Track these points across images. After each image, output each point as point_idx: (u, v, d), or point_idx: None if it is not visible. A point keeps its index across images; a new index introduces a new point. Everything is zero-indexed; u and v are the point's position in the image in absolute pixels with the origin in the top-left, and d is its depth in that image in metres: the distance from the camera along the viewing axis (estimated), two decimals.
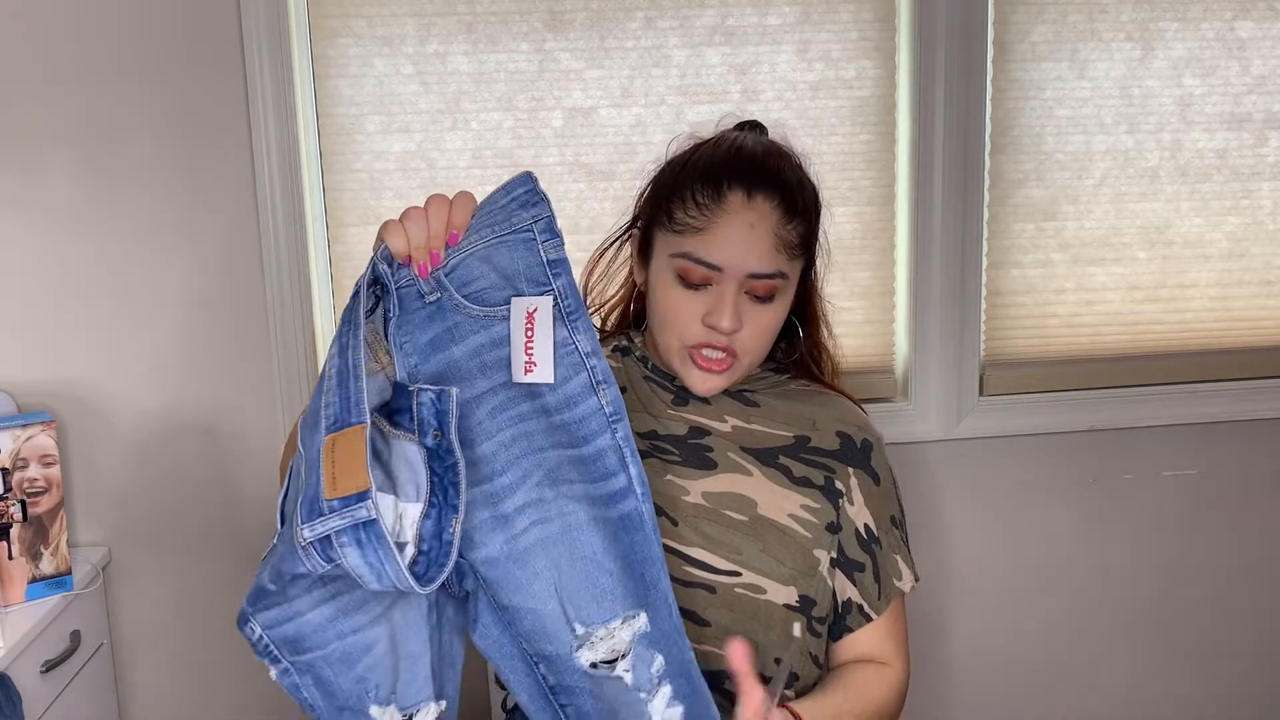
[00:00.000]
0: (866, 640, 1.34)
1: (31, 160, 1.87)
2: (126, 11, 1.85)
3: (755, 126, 1.36)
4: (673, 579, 1.22)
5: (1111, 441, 2.21)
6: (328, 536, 0.92)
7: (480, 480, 1.07)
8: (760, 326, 1.26)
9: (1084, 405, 2.19)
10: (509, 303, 1.08)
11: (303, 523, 0.93)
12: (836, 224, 2.09)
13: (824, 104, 2.05)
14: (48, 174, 1.88)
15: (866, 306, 2.13)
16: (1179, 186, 2.17)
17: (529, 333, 1.07)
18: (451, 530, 1.00)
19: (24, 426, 1.77)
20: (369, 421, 0.96)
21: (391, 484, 1.01)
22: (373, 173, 1.97)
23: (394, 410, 1.07)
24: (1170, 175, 2.17)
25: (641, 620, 1.07)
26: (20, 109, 1.86)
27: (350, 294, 1.06)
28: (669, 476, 1.29)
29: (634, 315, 1.43)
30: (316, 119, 1.95)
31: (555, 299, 1.08)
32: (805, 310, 1.37)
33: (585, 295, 1.42)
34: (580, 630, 1.07)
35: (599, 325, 1.45)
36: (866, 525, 1.34)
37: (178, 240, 1.92)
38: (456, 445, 1.04)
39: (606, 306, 1.44)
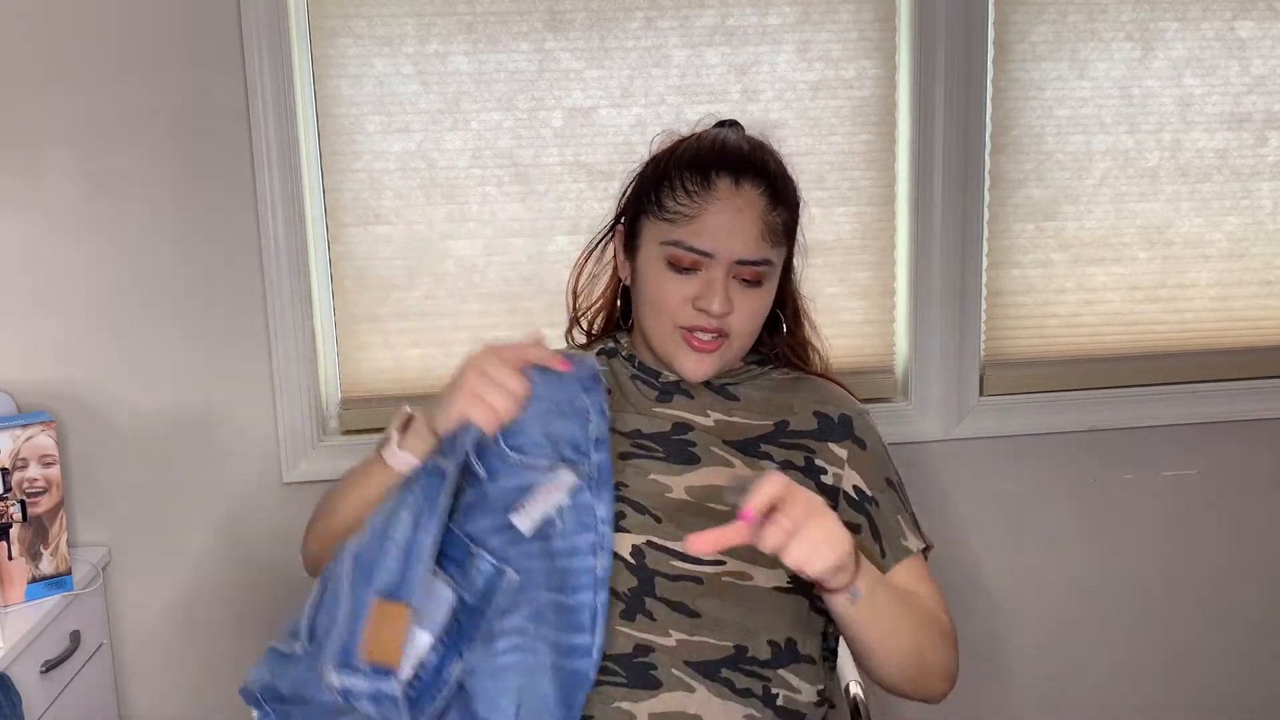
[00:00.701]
0: (898, 580, 1.33)
1: (31, 160, 1.87)
2: (126, 11, 1.85)
3: (734, 125, 1.41)
4: (660, 574, 1.26)
5: (1111, 441, 2.21)
6: (351, 690, 1.06)
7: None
8: (749, 310, 1.31)
9: (1084, 405, 2.19)
10: (547, 459, 1.17)
11: (335, 667, 1.07)
12: (836, 224, 2.09)
13: (824, 104, 2.05)
14: (48, 174, 1.88)
15: (866, 306, 2.12)
16: (1179, 186, 2.17)
17: (544, 493, 1.16)
18: (451, 671, 1.11)
19: (24, 426, 1.77)
20: (415, 608, 1.06)
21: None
22: (373, 173, 1.97)
23: (443, 553, 1.14)
24: (1170, 175, 2.17)
25: None
26: (20, 109, 1.86)
27: (427, 470, 1.14)
28: (652, 475, 1.31)
29: (619, 317, 1.47)
30: (316, 119, 1.95)
31: (587, 476, 1.17)
32: (786, 304, 1.43)
33: (574, 298, 1.47)
34: None
35: (586, 328, 1.50)
36: (856, 487, 1.35)
37: (178, 240, 1.92)
38: (493, 617, 1.14)
39: (593, 310, 1.48)
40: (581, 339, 1.50)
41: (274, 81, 1.89)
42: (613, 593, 1.24)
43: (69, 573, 1.81)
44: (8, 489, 1.75)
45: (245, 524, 2.01)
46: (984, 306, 2.15)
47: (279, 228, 1.93)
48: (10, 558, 1.75)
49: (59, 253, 1.90)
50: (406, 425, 1.24)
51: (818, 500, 1.11)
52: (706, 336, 1.31)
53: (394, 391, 2.02)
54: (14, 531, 1.75)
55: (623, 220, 1.40)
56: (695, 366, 1.32)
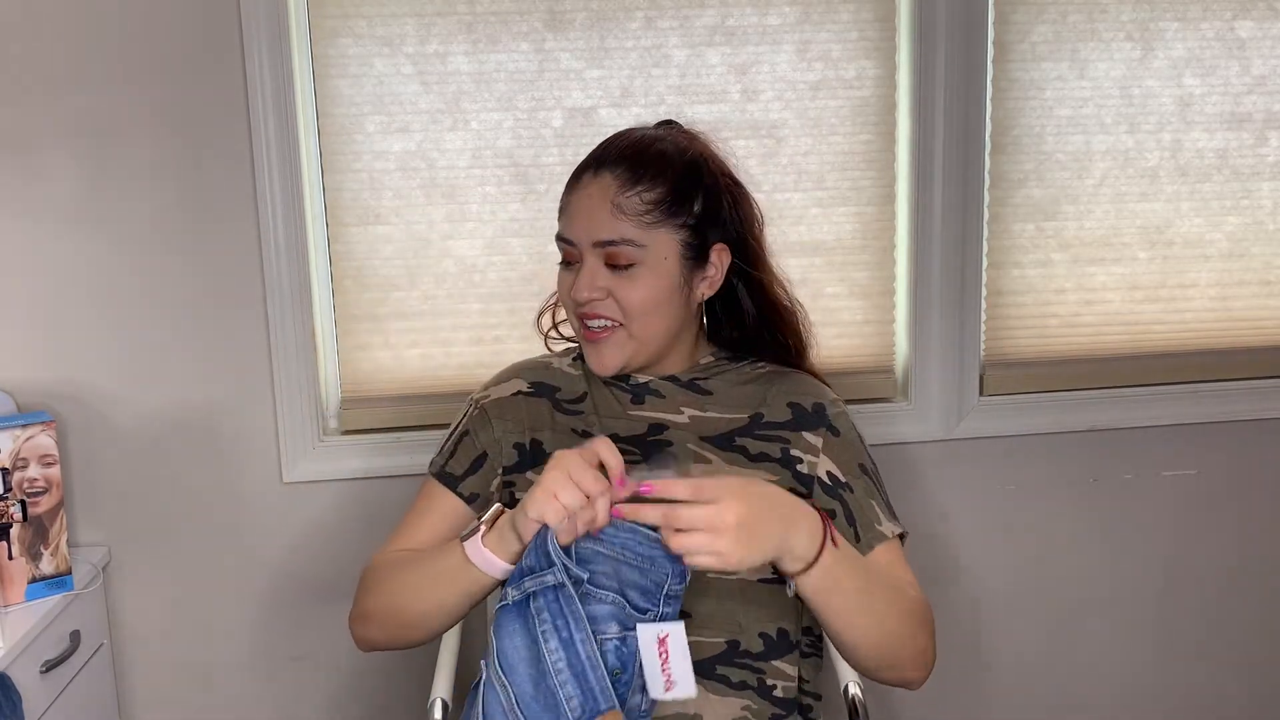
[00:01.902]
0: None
1: (32, 160, 1.87)
2: (126, 12, 1.85)
3: (668, 124, 1.44)
4: None
5: (1111, 441, 2.21)
6: None
7: None
8: (631, 294, 1.32)
9: (1084, 405, 2.19)
10: (611, 595, 1.17)
11: None
12: (836, 224, 2.09)
13: (824, 104, 2.05)
14: (48, 174, 1.88)
15: (866, 306, 2.12)
16: (1179, 186, 2.17)
17: (663, 655, 1.14)
18: None
19: (24, 426, 1.77)
20: (618, 706, 1.11)
21: None
22: (373, 173, 1.97)
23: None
24: (1170, 175, 2.17)
25: None
26: (20, 109, 1.86)
27: (541, 588, 1.15)
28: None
29: None
30: (316, 119, 1.95)
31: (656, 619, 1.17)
32: (757, 296, 1.43)
33: (549, 314, 1.54)
34: None
35: (562, 337, 1.54)
36: (830, 473, 1.37)
37: (178, 240, 1.92)
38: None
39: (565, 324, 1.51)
40: (557, 346, 1.55)
41: (274, 81, 1.89)
42: None
43: (69, 573, 1.81)
44: (8, 489, 1.75)
45: (245, 524, 2.01)
46: (984, 306, 2.15)
47: (279, 228, 1.93)
48: (10, 558, 1.75)
49: (59, 253, 1.90)
50: (494, 522, 1.24)
51: (729, 515, 1.10)
52: (595, 324, 1.34)
53: (394, 391, 2.02)
54: (14, 531, 1.75)
55: None
56: (595, 358, 1.36)
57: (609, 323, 1.34)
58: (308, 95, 1.94)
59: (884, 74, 2.06)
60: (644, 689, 1.15)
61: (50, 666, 1.72)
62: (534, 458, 1.40)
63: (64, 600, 1.79)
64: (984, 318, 2.16)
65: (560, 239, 1.36)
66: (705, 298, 1.40)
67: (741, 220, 1.41)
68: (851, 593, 1.20)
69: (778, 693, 1.30)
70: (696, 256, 1.37)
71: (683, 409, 1.39)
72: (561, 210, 1.37)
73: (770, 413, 1.39)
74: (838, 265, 2.10)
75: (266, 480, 2.01)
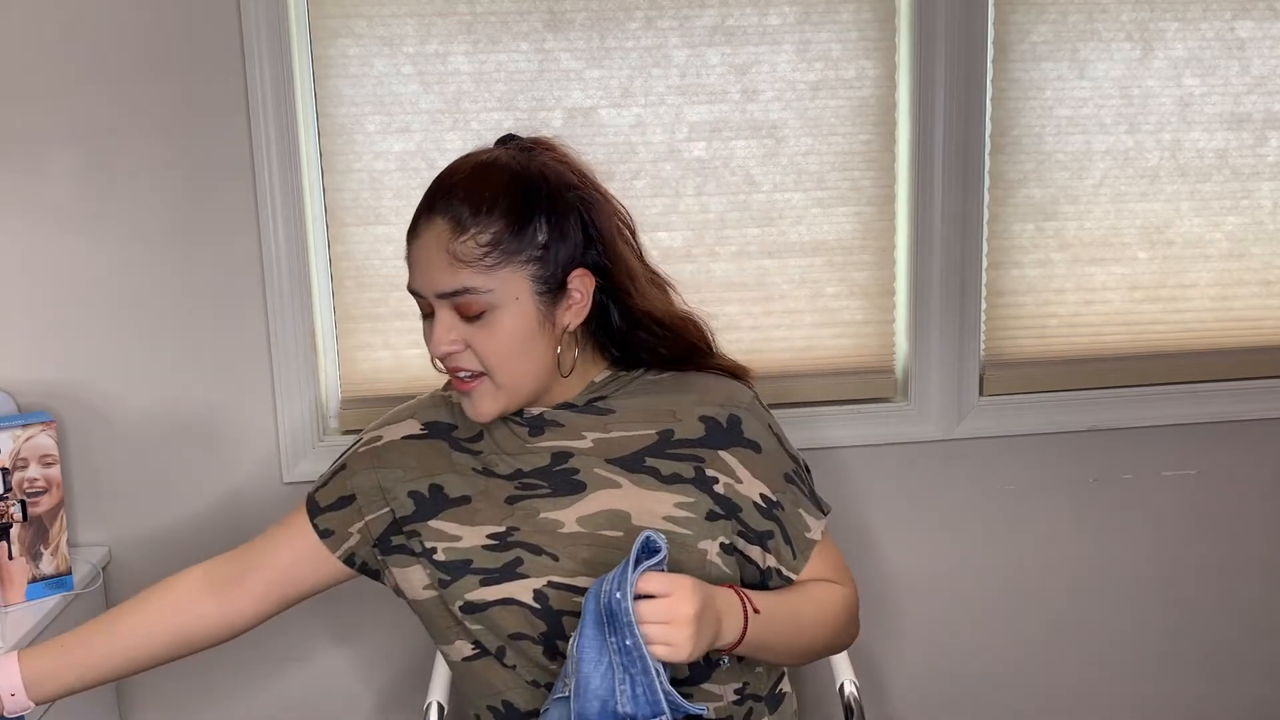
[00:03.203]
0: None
1: (31, 160, 1.87)
2: (126, 12, 1.85)
3: (505, 141, 1.33)
4: (566, 613, 1.26)
5: (1111, 441, 2.21)
6: None
7: None
8: (490, 342, 1.23)
9: (1084, 405, 2.19)
10: None
11: None
12: (836, 224, 2.09)
13: (824, 104, 2.05)
14: (48, 174, 1.88)
15: (866, 306, 2.13)
16: (1179, 186, 2.17)
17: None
18: None
19: (24, 426, 1.77)
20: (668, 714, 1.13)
21: None
22: (373, 173, 1.97)
23: None
24: (1170, 175, 2.17)
25: None
26: (20, 109, 1.86)
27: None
28: (542, 514, 1.29)
29: None
30: (316, 119, 1.95)
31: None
32: (631, 313, 1.31)
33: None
34: None
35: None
36: (763, 494, 1.31)
37: (178, 240, 1.92)
38: None
39: None
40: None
41: (274, 81, 1.89)
42: (528, 639, 1.28)
43: (69, 573, 1.82)
44: (8, 489, 1.75)
45: (245, 524, 2.01)
46: (984, 306, 2.15)
47: (279, 228, 1.93)
48: (10, 558, 1.75)
49: (59, 253, 1.90)
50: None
51: (688, 607, 1.12)
52: (462, 375, 1.26)
53: (394, 391, 2.02)
54: (14, 531, 1.76)
55: None
56: (470, 408, 1.28)
57: (472, 373, 1.25)
58: (308, 95, 1.94)
59: (884, 74, 2.06)
60: None
61: None
62: (435, 503, 1.32)
63: (64, 600, 1.79)
64: (984, 318, 2.16)
65: (411, 290, 1.27)
66: (573, 327, 1.28)
67: (601, 234, 1.27)
68: (782, 639, 1.26)
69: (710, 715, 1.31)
70: (553, 288, 1.25)
71: (584, 434, 1.31)
72: (407, 260, 1.27)
73: (681, 428, 1.30)
74: (838, 265, 2.10)
75: (266, 480, 2.01)
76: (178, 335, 1.95)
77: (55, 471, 1.80)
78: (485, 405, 1.27)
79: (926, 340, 2.13)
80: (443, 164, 1.96)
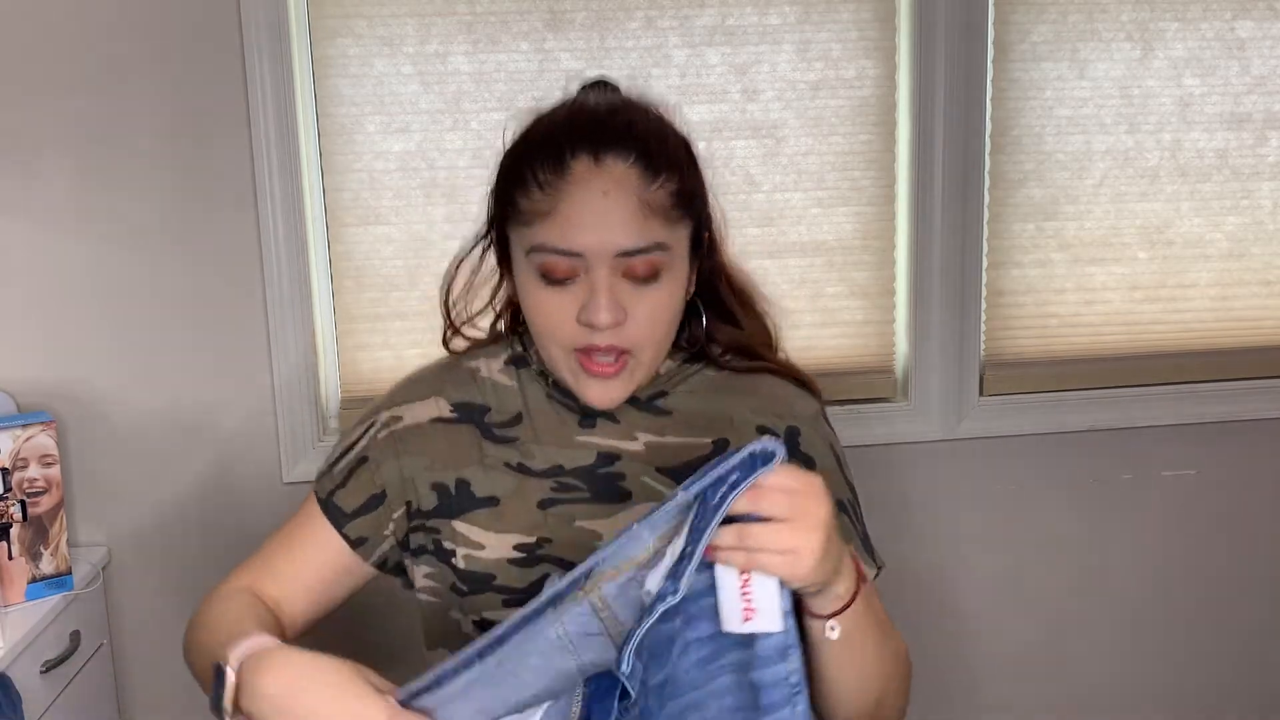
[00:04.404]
0: None
1: (32, 160, 1.87)
2: (126, 12, 1.85)
3: (602, 85, 1.17)
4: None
5: (1111, 441, 2.21)
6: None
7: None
8: (651, 313, 1.06)
9: (1084, 405, 2.19)
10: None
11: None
12: (836, 224, 2.09)
13: (824, 104, 2.05)
14: (48, 174, 1.88)
15: (866, 306, 2.12)
16: (1179, 186, 2.17)
17: (745, 579, 0.90)
18: None
19: (24, 426, 1.77)
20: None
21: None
22: (373, 173, 1.97)
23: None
24: (1170, 175, 2.17)
25: None
26: (20, 110, 1.85)
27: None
28: (579, 522, 1.12)
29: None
30: (316, 119, 1.95)
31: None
32: (709, 289, 1.17)
33: (448, 310, 1.21)
34: None
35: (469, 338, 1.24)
36: None
37: (178, 240, 1.92)
38: None
39: (480, 315, 1.22)
40: (462, 343, 1.22)
41: (274, 81, 1.89)
42: None
43: (69, 573, 1.82)
44: (8, 489, 1.75)
45: (245, 524, 2.01)
46: (984, 306, 2.15)
47: (279, 228, 1.93)
48: (10, 558, 1.75)
49: (59, 253, 1.90)
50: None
51: (823, 507, 0.90)
52: (606, 359, 1.06)
53: None
54: (14, 531, 1.75)
55: (492, 230, 1.15)
56: (601, 393, 1.09)
57: (616, 352, 1.07)
58: (308, 95, 1.94)
59: (884, 74, 2.06)
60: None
61: (50, 666, 1.72)
62: (461, 502, 1.14)
63: (64, 600, 1.79)
64: (984, 318, 2.16)
65: (551, 250, 1.04)
66: (691, 295, 1.14)
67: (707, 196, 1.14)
68: (871, 640, 1.00)
69: None
70: (695, 251, 1.12)
71: (637, 434, 1.14)
72: (543, 213, 1.05)
73: (737, 438, 1.14)
74: (838, 265, 2.10)
75: (266, 480, 2.01)
76: (178, 335, 1.95)
77: (55, 471, 1.80)
78: (621, 390, 1.09)
79: (926, 340, 2.13)
80: (443, 164, 1.98)
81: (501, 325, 1.22)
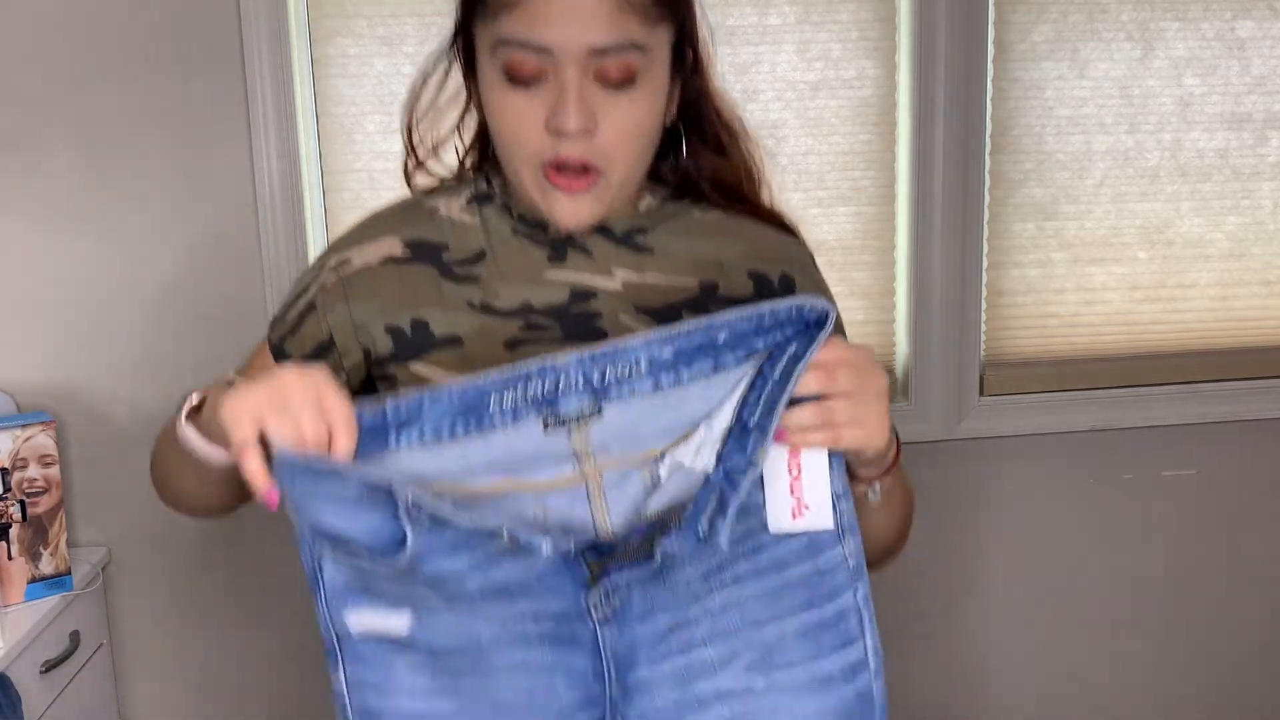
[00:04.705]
0: None
1: (32, 160, 1.87)
2: (126, 11, 1.85)
3: None
4: None
5: (1111, 441, 2.21)
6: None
7: (676, 651, 0.90)
8: (624, 124, 0.98)
9: (1084, 405, 2.19)
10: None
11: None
12: (836, 224, 2.09)
13: (824, 104, 2.05)
14: (48, 174, 1.88)
15: (866, 306, 2.12)
16: (1179, 186, 2.17)
17: (794, 469, 0.87)
18: None
19: (23, 426, 1.77)
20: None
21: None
22: (373, 173, 1.97)
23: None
24: (1170, 175, 2.17)
25: None
26: (21, 109, 1.85)
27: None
28: None
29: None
30: (316, 119, 1.95)
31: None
32: (693, 116, 1.09)
33: (410, 135, 1.12)
34: None
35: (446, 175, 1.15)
36: None
37: (178, 240, 1.92)
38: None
39: (440, 156, 1.14)
40: (428, 181, 1.14)
41: (274, 81, 1.89)
42: None
43: (69, 573, 1.81)
44: (7, 489, 1.75)
45: (245, 524, 2.01)
46: (984, 306, 2.15)
47: (279, 228, 1.93)
48: (10, 558, 1.75)
49: (59, 253, 1.90)
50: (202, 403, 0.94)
51: (879, 374, 0.88)
52: (570, 167, 0.98)
53: None
54: (14, 531, 1.75)
55: (459, 38, 1.06)
56: (571, 212, 1.01)
57: (584, 166, 0.99)
58: (308, 95, 1.94)
59: (884, 74, 2.06)
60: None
61: (50, 667, 1.72)
62: (418, 343, 1.05)
63: (64, 600, 1.79)
64: (984, 318, 2.16)
65: (517, 43, 0.95)
66: (672, 122, 1.06)
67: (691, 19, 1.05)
68: (902, 490, 1.01)
69: None
70: (678, 64, 1.03)
71: (615, 270, 1.06)
72: (510, 4, 0.95)
73: (727, 283, 1.08)
74: (838, 265, 2.10)
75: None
76: (177, 335, 1.94)
77: (55, 471, 1.80)
78: (590, 209, 1.01)
79: (926, 340, 2.12)
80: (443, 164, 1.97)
81: (470, 162, 1.14)
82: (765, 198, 1.15)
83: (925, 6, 2.02)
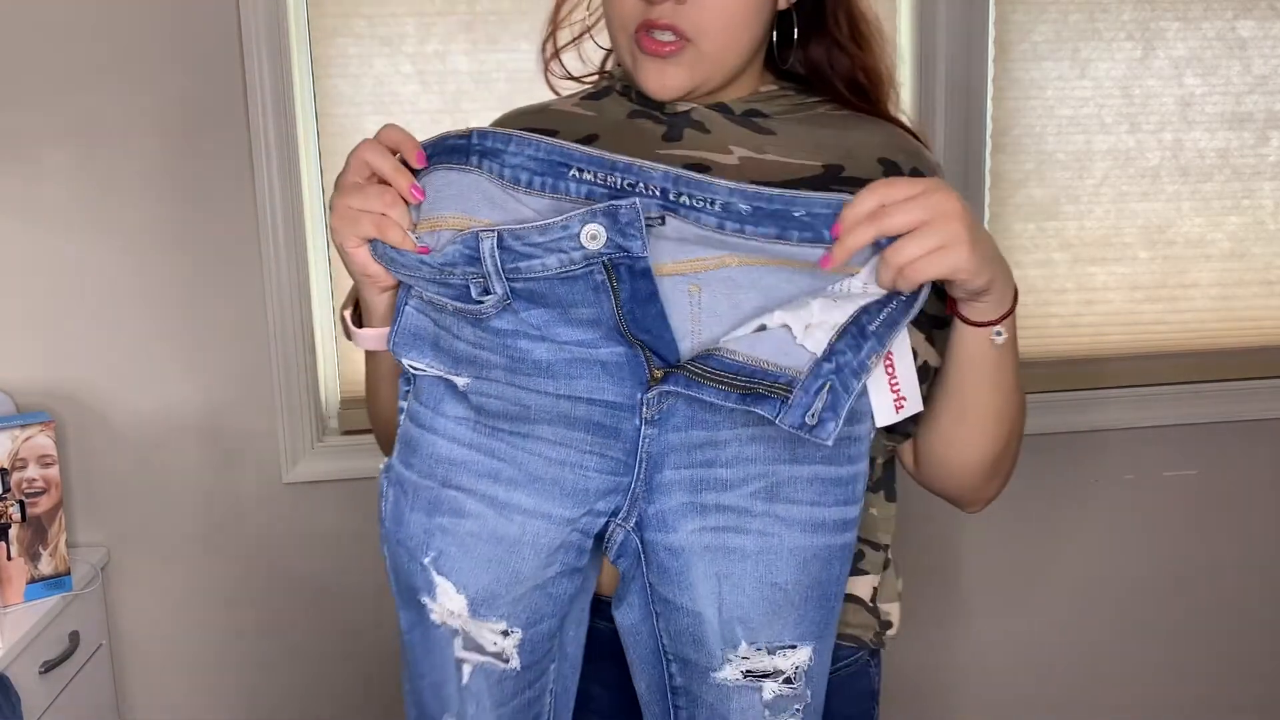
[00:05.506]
0: None
1: (31, 160, 1.87)
2: (126, 12, 1.85)
3: None
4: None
5: (1111, 441, 2.21)
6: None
7: (698, 464, 0.95)
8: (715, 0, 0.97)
9: (1084, 405, 2.18)
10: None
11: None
12: None
13: None
14: (47, 174, 1.88)
15: None
16: (1180, 186, 2.17)
17: (890, 369, 0.92)
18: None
19: (23, 427, 1.76)
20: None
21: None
22: None
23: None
24: (1171, 175, 2.16)
25: (805, 654, 0.97)
26: (20, 110, 1.85)
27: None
28: None
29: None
30: (316, 119, 1.95)
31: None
32: (830, 4, 1.06)
33: (555, 21, 1.15)
34: (734, 652, 0.97)
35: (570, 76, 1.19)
36: None
37: (177, 240, 1.92)
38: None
39: (581, 51, 1.17)
40: (563, 74, 1.17)
41: (274, 81, 1.89)
42: None
43: (68, 573, 1.81)
44: (7, 489, 1.75)
45: (245, 524, 2.01)
46: None
47: (279, 227, 1.93)
48: (9, 558, 1.75)
49: (59, 253, 1.90)
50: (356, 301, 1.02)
51: (952, 202, 0.85)
52: (663, 35, 0.98)
53: None
54: (13, 532, 1.75)
55: None
56: (656, 77, 1.00)
57: (676, 34, 0.98)
58: (308, 95, 1.94)
59: None
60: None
61: (49, 667, 1.72)
62: None
63: (63, 600, 1.79)
64: None
65: None
66: (785, 4, 1.04)
67: None
68: (1016, 353, 0.97)
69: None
70: None
71: (732, 147, 1.03)
72: None
73: (854, 167, 1.02)
74: None
75: (266, 480, 2.00)
76: (177, 335, 1.94)
77: (54, 472, 1.80)
78: (677, 77, 1.00)
79: None
80: None
81: (610, 65, 1.16)
82: (892, 109, 1.11)
83: (925, 6, 2.02)
